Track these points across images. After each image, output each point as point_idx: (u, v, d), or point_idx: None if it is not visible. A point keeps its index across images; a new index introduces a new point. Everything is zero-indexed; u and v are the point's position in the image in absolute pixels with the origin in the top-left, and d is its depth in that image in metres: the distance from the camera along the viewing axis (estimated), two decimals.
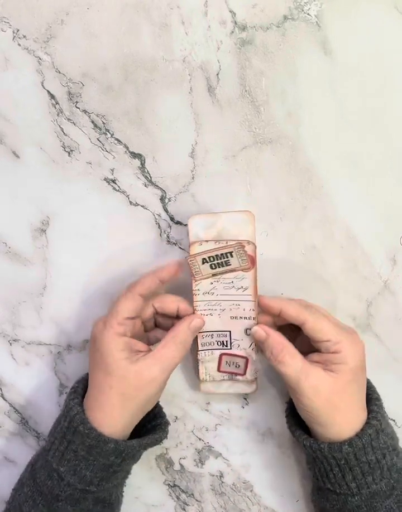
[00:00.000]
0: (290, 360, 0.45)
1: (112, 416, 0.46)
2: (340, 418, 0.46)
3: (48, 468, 0.47)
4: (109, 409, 0.45)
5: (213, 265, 0.47)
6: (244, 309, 0.48)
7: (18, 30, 0.49)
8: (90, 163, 0.51)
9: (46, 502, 0.47)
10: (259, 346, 0.49)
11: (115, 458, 0.46)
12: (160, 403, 0.52)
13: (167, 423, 0.51)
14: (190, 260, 0.47)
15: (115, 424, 0.46)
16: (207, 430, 0.56)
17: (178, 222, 0.52)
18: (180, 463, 0.57)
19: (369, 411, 0.47)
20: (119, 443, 0.45)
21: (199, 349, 0.50)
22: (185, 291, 0.50)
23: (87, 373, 0.49)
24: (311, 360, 0.46)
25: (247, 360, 0.50)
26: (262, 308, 0.48)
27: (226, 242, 0.46)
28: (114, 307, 0.46)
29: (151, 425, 0.51)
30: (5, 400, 0.57)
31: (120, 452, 0.46)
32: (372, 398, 0.48)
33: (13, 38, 0.49)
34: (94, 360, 0.47)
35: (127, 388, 0.45)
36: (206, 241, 0.46)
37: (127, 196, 0.52)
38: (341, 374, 0.45)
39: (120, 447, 0.45)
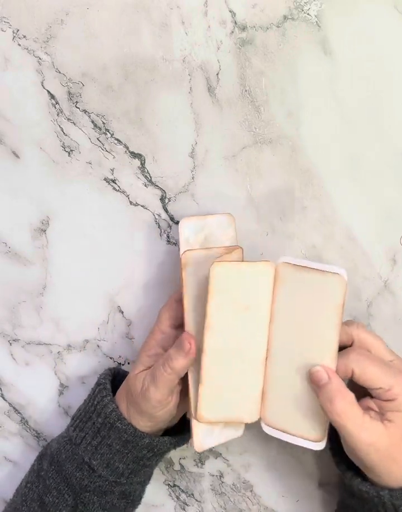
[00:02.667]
0: (350, 411, 0.41)
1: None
2: (397, 468, 0.43)
3: (78, 461, 0.48)
4: (119, 402, 0.48)
5: None
6: None
7: (18, 30, 0.49)
8: (90, 163, 0.51)
9: (73, 492, 0.48)
10: (312, 387, 0.43)
11: (147, 452, 0.48)
12: None
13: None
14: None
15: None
16: None
17: (178, 222, 0.52)
18: (180, 463, 0.57)
19: None
20: (154, 439, 0.47)
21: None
22: None
23: (109, 369, 0.52)
24: (366, 406, 0.43)
25: None
26: None
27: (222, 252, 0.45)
28: (157, 317, 0.48)
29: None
30: (5, 400, 0.57)
31: (153, 446, 0.48)
32: None
33: (13, 38, 0.49)
34: None
35: (129, 392, 0.47)
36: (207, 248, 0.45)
37: (127, 196, 0.52)
38: (399, 423, 0.42)
39: (154, 442, 0.47)
